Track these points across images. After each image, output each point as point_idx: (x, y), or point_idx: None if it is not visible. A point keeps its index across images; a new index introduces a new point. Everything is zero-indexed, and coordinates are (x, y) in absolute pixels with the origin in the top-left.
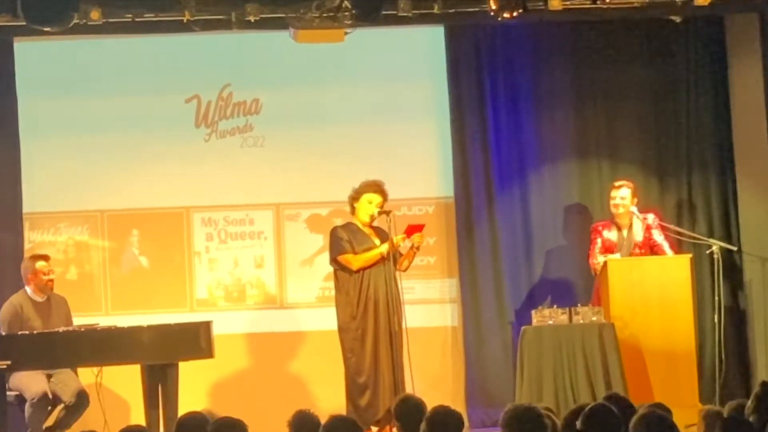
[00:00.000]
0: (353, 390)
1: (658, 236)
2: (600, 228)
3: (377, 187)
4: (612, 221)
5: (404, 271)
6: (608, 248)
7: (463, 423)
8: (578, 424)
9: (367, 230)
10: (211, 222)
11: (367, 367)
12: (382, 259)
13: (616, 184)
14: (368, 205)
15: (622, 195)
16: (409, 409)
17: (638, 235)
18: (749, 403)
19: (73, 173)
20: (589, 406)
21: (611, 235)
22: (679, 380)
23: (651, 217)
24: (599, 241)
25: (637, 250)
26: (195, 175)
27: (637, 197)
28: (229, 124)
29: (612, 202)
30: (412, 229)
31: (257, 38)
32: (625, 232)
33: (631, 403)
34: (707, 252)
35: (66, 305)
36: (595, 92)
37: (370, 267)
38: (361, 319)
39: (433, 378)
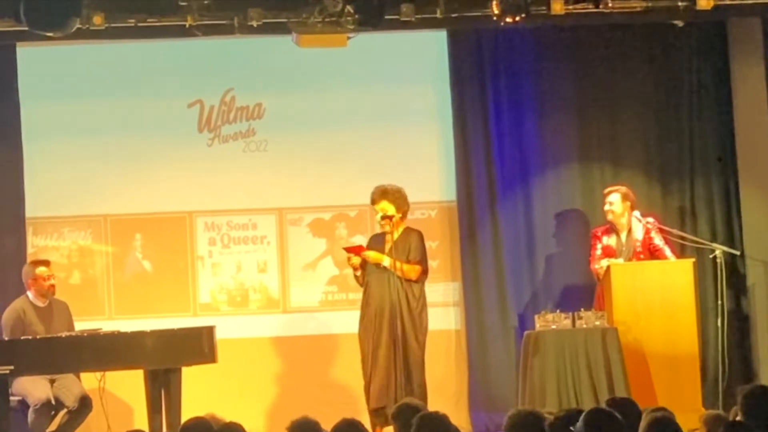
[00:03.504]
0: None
1: (658, 240)
2: (599, 234)
3: (381, 194)
4: (611, 227)
5: (406, 276)
6: (608, 254)
7: (451, 427)
8: (578, 426)
9: (389, 237)
10: (214, 226)
11: (366, 374)
12: (383, 268)
13: (606, 191)
14: (377, 216)
15: (611, 200)
16: (407, 413)
17: (638, 238)
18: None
19: (75, 178)
20: (588, 410)
21: (611, 240)
22: (682, 385)
23: (650, 221)
24: (599, 246)
25: (639, 251)
26: (198, 179)
27: (631, 200)
28: (232, 129)
29: (604, 208)
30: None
31: (260, 43)
32: (624, 237)
33: (637, 404)
34: (710, 256)
35: (67, 310)
36: (597, 96)
37: (360, 283)
38: (364, 329)
39: (436, 381)
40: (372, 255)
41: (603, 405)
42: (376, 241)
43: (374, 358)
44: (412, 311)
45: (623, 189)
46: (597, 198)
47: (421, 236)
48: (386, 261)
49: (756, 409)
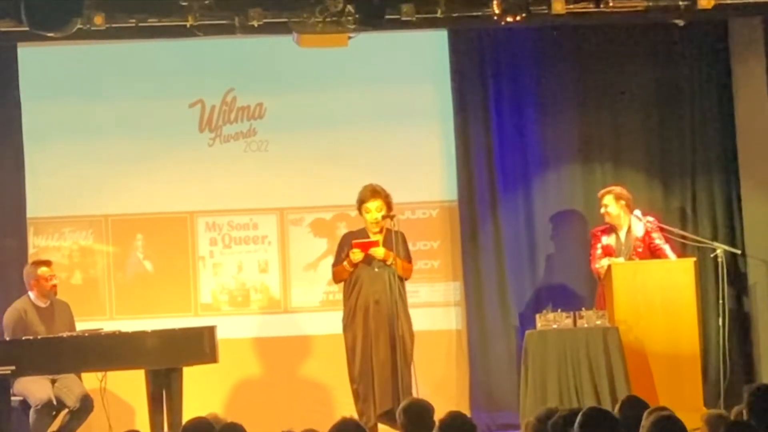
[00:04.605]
0: (353, 394)
1: (658, 240)
2: (599, 233)
3: (373, 193)
4: (611, 226)
5: (405, 274)
6: (608, 253)
7: (476, 430)
8: (576, 425)
9: (376, 237)
10: (215, 227)
11: (357, 375)
12: (379, 265)
13: (599, 194)
14: (367, 214)
15: (605, 203)
16: (416, 412)
17: (638, 236)
18: (744, 409)
19: (77, 178)
20: (585, 409)
21: (610, 240)
22: (683, 384)
23: (650, 220)
24: (599, 246)
25: (639, 250)
26: (199, 179)
27: (625, 199)
28: (233, 129)
29: (600, 211)
30: (361, 245)
31: (261, 43)
32: (623, 236)
33: (648, 404)
34: (711, 255)
35: (69, 311)
36: (598, 96)
37: (343, 278)
38: (350, 328)
39: (437, 381)
40: (380, 252)
41: (604, 405)
42: (356, 239)
43: (367, 356)
44: (407, 310)
45: (616, 189)
46: (597, 198)
47: (405, 237)
48: (391, 258)
49: (762, 407)
